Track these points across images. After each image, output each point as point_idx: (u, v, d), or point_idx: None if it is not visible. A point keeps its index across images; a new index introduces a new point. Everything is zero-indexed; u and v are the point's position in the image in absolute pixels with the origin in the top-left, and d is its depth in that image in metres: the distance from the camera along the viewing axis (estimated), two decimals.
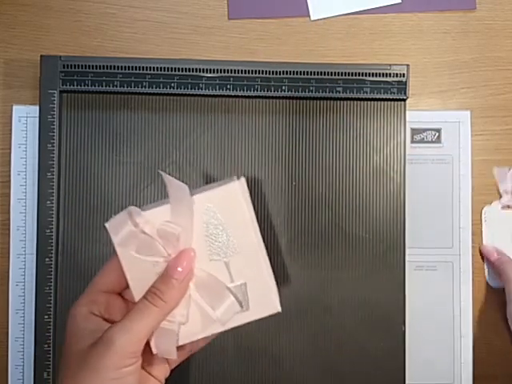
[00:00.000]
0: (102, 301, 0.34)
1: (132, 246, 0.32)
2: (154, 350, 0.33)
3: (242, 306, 0.33)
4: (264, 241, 0.35)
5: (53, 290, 0.46)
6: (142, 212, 0.33)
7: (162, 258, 0.33)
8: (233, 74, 0.47)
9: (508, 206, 0.49)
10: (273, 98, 0.48)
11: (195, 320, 0.33)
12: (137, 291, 0.33)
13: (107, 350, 0.30)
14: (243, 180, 0.34)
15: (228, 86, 0.47)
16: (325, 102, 0.49)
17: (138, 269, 0.33)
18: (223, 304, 0.33)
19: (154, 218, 0.32)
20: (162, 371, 0.35)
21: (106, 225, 0.33)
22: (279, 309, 0.34)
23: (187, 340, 0.33)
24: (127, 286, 0.33)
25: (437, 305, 0.49)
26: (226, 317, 0.33)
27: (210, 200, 0.33)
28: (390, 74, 0.48)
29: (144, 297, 0.32)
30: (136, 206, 0.32)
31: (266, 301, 0.34)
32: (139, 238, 0.32)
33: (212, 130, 0.48)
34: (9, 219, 0.48)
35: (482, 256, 0.50)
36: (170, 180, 0.32)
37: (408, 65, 0.48)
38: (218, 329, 0.33)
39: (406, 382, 0.48)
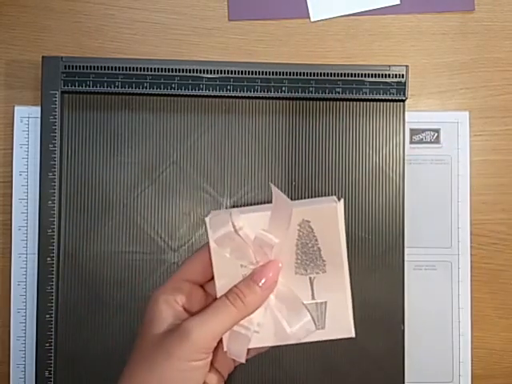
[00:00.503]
0: (185, 290, 0.34)
1: (226, 246, 0.33)
2: (225, 349, 0.33)
3: (316, 326, 0.34)
4: None
5: (54, 289, 0.46)
6: (241, 215, 0.33)
7: (251, 264, 0.33)
8: (233, 75, 0.48)
9: None
10: (273, 98, 0.49)
11: (269, 329, 0.33)
12: (220, 288, 0.33)
13: (182, 340, 0.31)
14: (342, 202, 0.33)
15: (228, 87, 0.48)
16: (324, 102, 0.49)
17: (225, 267, 0.33)
18: (299, 321, 0.33)
19: (252, 222, 0.33)
20: (226, 367, 0.36)
21: (206, 219, 0.33)
22: (353, 334, 0.34)
23: (257, 345, 0.34)
24: (211, 279, 0.34)
25: (436, 304, 0.50)
26: (299, 333, 0.33)
27: (307, 215, 0.33)
28: (389, 74, 0.48)
29: (225, 295, 0.33)
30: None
31: (342, 323, 0.34)
32: (234, 240, 0.32)
33: (212, 131, 0.49)
34: (10, 219, 0.48)
35: None
36: (276, 191, 0.33)
37: (407, 66, 0.48)
38: (289, 342, 0.34)
39: (405, 381, 0.48)
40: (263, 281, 0.32)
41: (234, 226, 0.32)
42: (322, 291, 0.34)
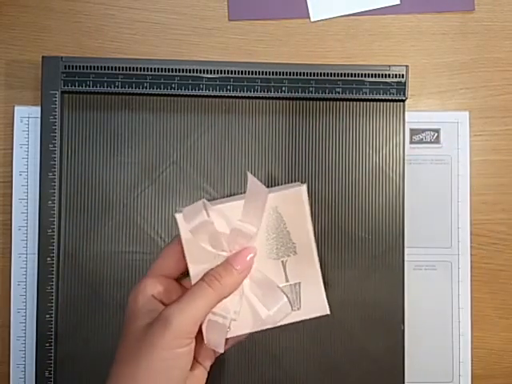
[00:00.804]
0: (161, 284, 0.35)
1: (200, 236, 0.33)
2: (205, 341, 0.34)
3: (292, 307, 0.34)
4: None
5: (54, 289, 0.46)
6: (214, 206, 0.34)
7: (225, 252, 0.34)
8: (233, 75, 0.48)
9: None
10: (273, 98, 0.49)
11: (245, 316, 0.34)
12: (194, 276, 0.34)
13: (164, 329, 0.31)
14: (305, 186, 0.35)
15: (228, 87, 0.48)
16: (324, 102, 0.49)
17: (200, 257, 0.34)
18: (276, 304, 0.34)
19: (226, 212, 0.34)
20: (208, 359, 0.36)
21: (178, 215, 0.34)
22: (328, 311, 0.35)
23: (235, 334, 0.34)
24: (185, 274, 0.35)
25: (436, 304, 0.50)
26: (276, 316, 0.34)
27: (275, 201, 0.34)
28: (389, 74, 0.48)
29: (202, 278, 0.33)
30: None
31: (316, 302, 0.35)
32: (208, 230, 0.33)
33: (212, 131, 0.49)
34: (10, 219, 0.48)
35: None
36: (252, 179, 0.33)
37: (407, 66, 0.48)
38: (266, 326, 0.34)
39: (405, 381, 0.48)
40: (240, 263, 0.33)
41: (207, 216, 0.33)
42: (294, 273, 0.35)
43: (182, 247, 0.34)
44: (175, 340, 0.31)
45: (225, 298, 0.33)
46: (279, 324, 0.34)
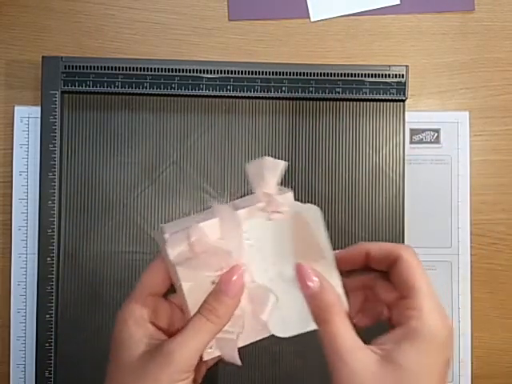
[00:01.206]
0: (150, 304, 0.33)
1: (187, 259, 0.32)
2: (223, 357, 0.34)
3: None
4: None
5: (54, 289, 0.46)
6: (197, 225, 0.33)
7: (216, 272, 0.33)
8: (233, 75, 0.48)
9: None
10: (273, 98, 0.49)
11: (249, 326, 0.34)
12: (192, 303, 0.33)
13: (167, 364, 0.30)
14: (290, 194, 0.34)
15: (228, 87, 0.48)
16: (324, 102, 0.49)
17: (191, 280, 0.33)
18: (269, 309, 0.34)
19: (209, 230, 0.33)
20: (200, 376, 0.36)
21: (162, 233, 0.33)
22: (315, 326, 0.34)
23: (243, 344, 0.34)
24: (172, 289, 0.34)
25: None
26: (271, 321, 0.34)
27: (253, 214, 0.34)
28: (389, 74, 0.48)
29: (200, 312, 0.32)
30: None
31: (302, 316, 0.34)
32: (195, 252, 0.32)
33: (212, 131, 0.49)
34: (10, 219, 0.48)
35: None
36: (217, 207, 0.33)
37: (407, 66, 0.48)
38: (265, 334, 0.34)
39: None
40: (230, 289, 0.32)
41: (192, 237, 0.32)
42: (280, 282, 0.34)
43: (166, 265, 0.34)
44: (177, 374, 0.31)
45: (227, 323, 0.33)
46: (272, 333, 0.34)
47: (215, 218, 0.33)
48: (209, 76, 0.47)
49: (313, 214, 0.34)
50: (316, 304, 0.33)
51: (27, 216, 0.48)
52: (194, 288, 0.33)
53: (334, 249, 0.34)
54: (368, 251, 0.34)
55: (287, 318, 0.34)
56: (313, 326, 0.34)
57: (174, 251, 0.32)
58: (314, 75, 0.48)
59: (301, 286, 0.33)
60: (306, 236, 0.34)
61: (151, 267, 0.34)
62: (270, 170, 0.34)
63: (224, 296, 0.32)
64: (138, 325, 0.33)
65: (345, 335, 0.31)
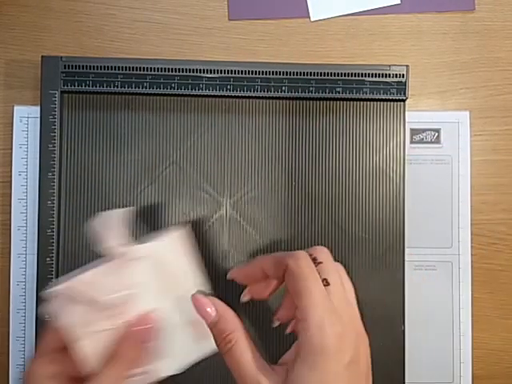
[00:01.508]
0: (56, 359, 0.33)
1: (80, 320, 0.33)
2: None
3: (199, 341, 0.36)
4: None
5: None
6: (79, 280, 0.33)
7: (113, 322, 0.33)
8: (233, 75, 0.48)
9: None
10: (273, 98, 0.48)
11: (175, 355, 0.35)
12: (90, 356, 0.33)
13: None
14: (183, 232, 0.35)
15: (228, 87, 0.48)
16: (324, 102, 0.49)
17: (91, 337, 0.33)
18: (197, 336, 0.35)
19: (94, 280, 0.33)
20: None
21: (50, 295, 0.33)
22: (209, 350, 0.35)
23: (172, 373, 0.35)
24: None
25: (436, 304, 0.50)
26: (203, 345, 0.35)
27: (151, 250, 0.35)
28: (389, 74, 0.48)
29: (106, 365, 0.32)
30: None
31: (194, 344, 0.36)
32: (84, 309, 0.33)
33: (212, 130, 0.49)
34: (10, 219, 0.48)
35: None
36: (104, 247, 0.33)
37: (407, 65, 0.48)
38: (199, 355, 0.36)
39: (406, 381, 0.48)
40: (144, 339, 0.33)
41: (81, 297, 0.32)
42: (188, 309, 0.34)
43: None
44: None
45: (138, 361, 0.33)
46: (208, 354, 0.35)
47: (95, 269, 0.33)
48: (209, 76, 0.47)
49: (177, 241, 0.35)
50: (215, 333, 0.33)
51: (26, 216, 0.48)
52: (91, 345, 0.33)
53: (333, 252, 0.35)
54: (262, 265, 0.35)
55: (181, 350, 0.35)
56: (207, 351, 0.35)
57: (65, 316, 0.32)
58: (314, 75, 0.48)
59: (201, 316, 0.33)
60: (178, 265, 0.35)
61: (49, 325, 0.34)
62: (111, 224, 0.34)
63: (137, 343, 0.33)
64: (52, 382, 0.32)
65: (247, 363, 0.32)
